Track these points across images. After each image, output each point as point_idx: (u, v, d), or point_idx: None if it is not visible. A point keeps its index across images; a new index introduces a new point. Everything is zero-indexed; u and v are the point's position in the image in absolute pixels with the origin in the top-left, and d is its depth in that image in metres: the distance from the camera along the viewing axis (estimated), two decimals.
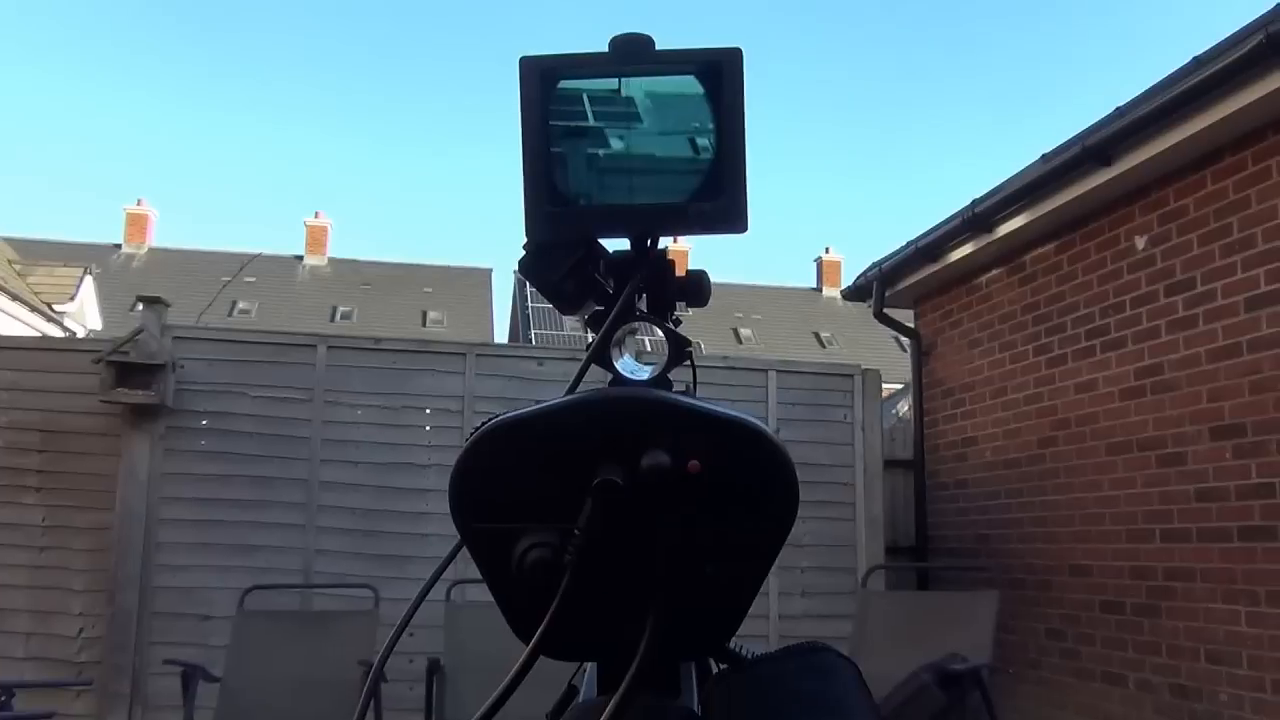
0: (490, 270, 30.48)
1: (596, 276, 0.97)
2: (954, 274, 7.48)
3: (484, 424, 0.86)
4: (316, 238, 31.86)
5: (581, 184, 0.98)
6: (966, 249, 7.08)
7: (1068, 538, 5.93)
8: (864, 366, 7.48)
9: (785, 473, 0.86)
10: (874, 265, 8.31)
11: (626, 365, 0.96)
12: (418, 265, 31.22)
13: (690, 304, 0.99)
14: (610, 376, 0.95)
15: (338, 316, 28.31)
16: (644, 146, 0.98)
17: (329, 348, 6.68)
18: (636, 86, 0.96)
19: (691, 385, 0.97)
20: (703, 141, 0.96)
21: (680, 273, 0.98)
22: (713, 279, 0.98)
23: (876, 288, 8.22)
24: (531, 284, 1.00)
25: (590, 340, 0.97)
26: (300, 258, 31.66)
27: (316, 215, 30.97)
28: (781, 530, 0.86)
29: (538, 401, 0.88)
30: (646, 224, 0.96)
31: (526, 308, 27.82)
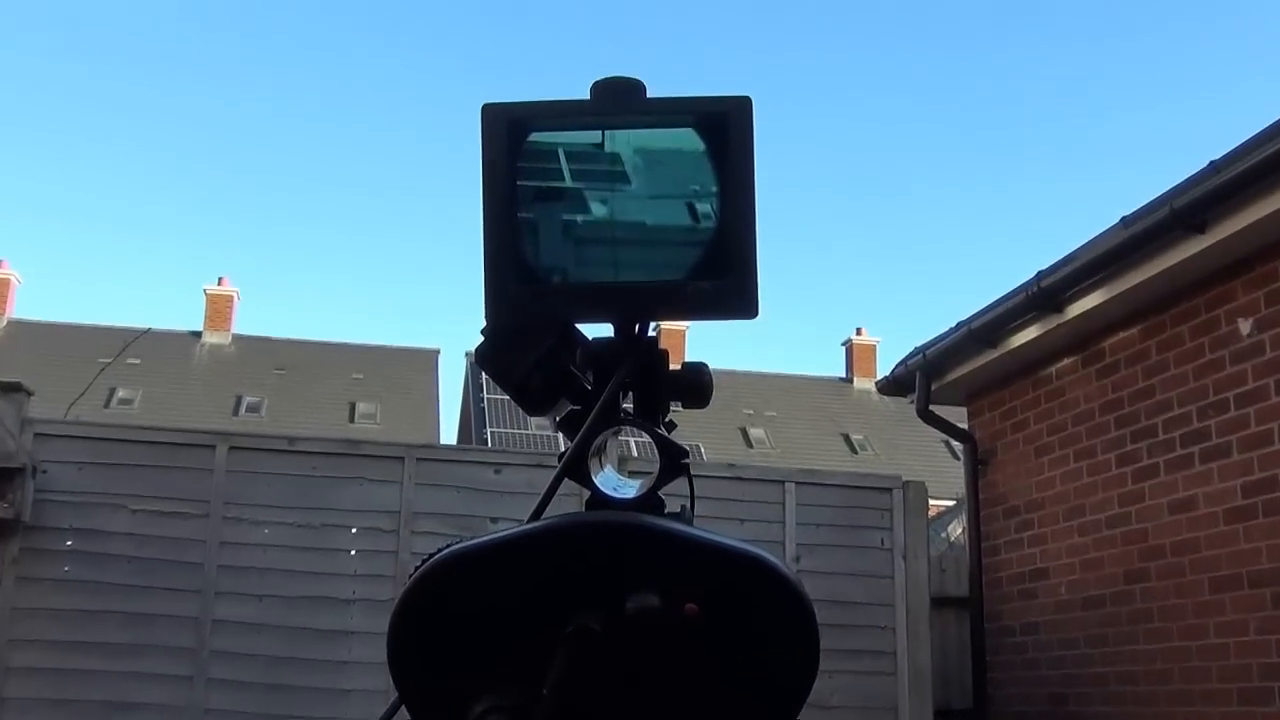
0: (436, 352, 30.40)
1: (572, 369, 0.99)
2: (1016, 363, 7.55)
3: (433, 555, 0.87)
4: (219, 309, 31.73)
5: (555, 257, 1.00)
6: (1031, 332, 7.16)
7: (1165, 698, 5.84)
8: (905, 478, 7.48)
9: (803, 616, 0.86)
10: (917, 351, 8.40)
11: (608, 480, 0.97)
12: (345, 345, 31.14)
13: (688, 404, 1.01)
14: (587, 494, 0.96)
15: (243, 408, 28.02)
16: (632, 213, 1.01)
17: (231, 449, 6.65)
18: (624, 141, 1.00)
19: (689, 505, 0.98)
20: (704, 207, 0.99)
21: (675, 364, 1.00)
22: (716, 367, 1.00)
23: (921, 379, 8.29)
24: (490, 376, 1.02)
25: (563, 448, 0.98)
26: (198, 334, 31.59)
27: (219, 282, 30.39)
28: (800, 688, 0.86)
29: (496, 524, 0.91)
30: (635, 307, 0.99)
31: (481, 401, 27.62)
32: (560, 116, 0.96)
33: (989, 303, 7.17)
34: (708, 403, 0.98)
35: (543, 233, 0.96)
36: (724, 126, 0.94)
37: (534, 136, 0.96)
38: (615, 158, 0.97)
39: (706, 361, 0.99)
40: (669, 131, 0.97)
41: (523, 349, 0.97)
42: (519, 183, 0.95)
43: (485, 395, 26.88)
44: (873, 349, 31.91)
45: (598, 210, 0.97)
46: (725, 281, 0.93)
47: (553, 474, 0.93)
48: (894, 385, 8.42)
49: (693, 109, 0.96)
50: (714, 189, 0.96)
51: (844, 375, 32.08)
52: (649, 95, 0.95)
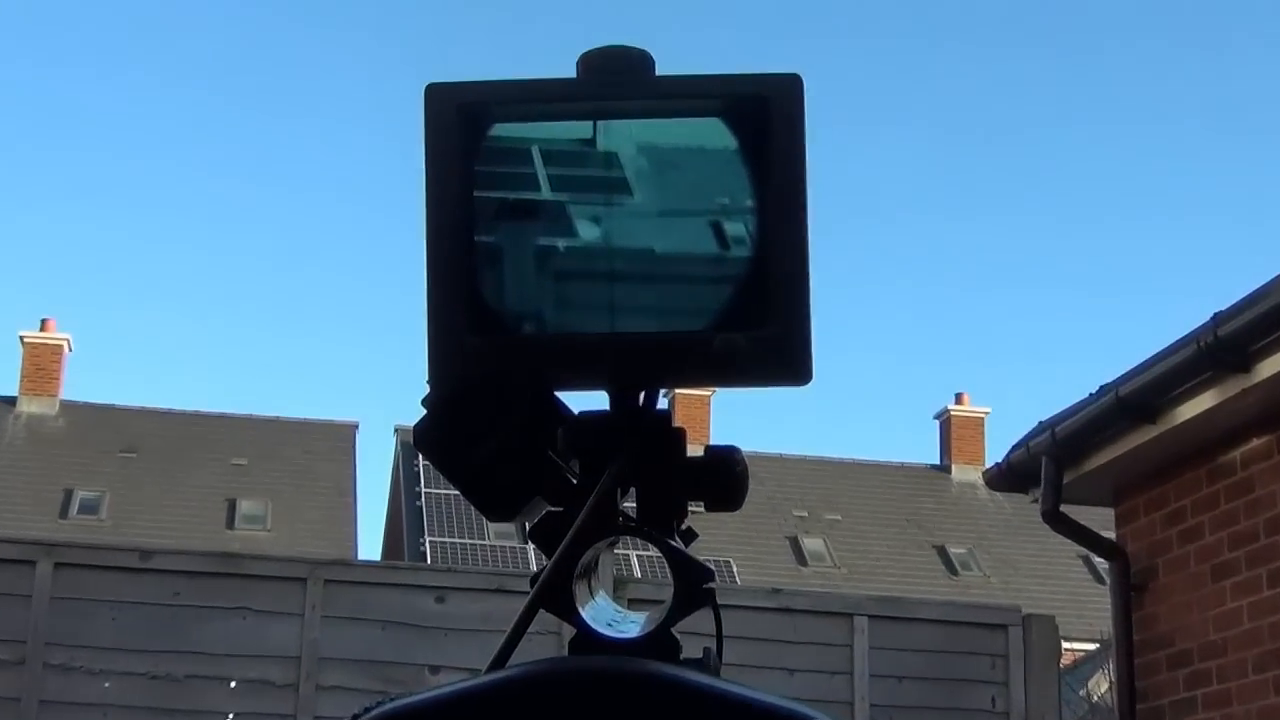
0: (353, 428, 30.28)
1: (550, 455, 1.01)
2: (1184, 444, 7.53)
3: (362, 714, 0.90)
4: (42, 365, 31.31)
5: (527, 298, 1.04)
6: (1206, 400, 7.14)
7: None
8: (1026, 610, 7.48)
9: None
10: (1043, 427, 8.41)
11: (600, 613, 0.99)
12: (224, 419, 30.96)
13: (713, 504, 1.03)
14: (572, 633, 0.98)
15: (75, 507, 27.56)
16: (635, 236, 1.04)
17: (57, 566, 6.64)
18: (624, 136, 1.03)
19: (715, 648, 1.00)
20: (735, 228, 1.02)
21: (695, 448, 1.02)
22: (753, 450, 1.03)
23: (1048, 468, 8.29)
24: (434, 464, 1.04)
25: (537, 566, 1.00)
26: (11, 401, 31.33)
27: (42, 326, 30.29)
28: None
29: (439, 676, 0.94)
30: (638, 369, 1.01)
31: (418, 498, 27.48)
32: (534, 101, 0.99)
33: (1145, 359, 7.18)
34: (741, 502, 1.01)
35: (509, 264, 1.00)
36: (764, 116, 0.97)
37: (497, 129, 0.99)
38: (611, 159, 1.00)
39: (738, 445, 1.01)
40: (688, 123, 1.00)
41: (480, 426, 0.99)
42: (477, 194, 0.98)
43: (424, 490, 26.39)
44: (979, 424, 31.71)
45: (587, 232, 0.99)
46: (765, 333, 0.96)
47: (522, 604, 0.95)
48: (1009, 476, 8.39)
49: (721, 91, 0.98)
50: (749, 202, 0.98)
51: (937, 462, 31.28)
52: (659, 73, 0.99)
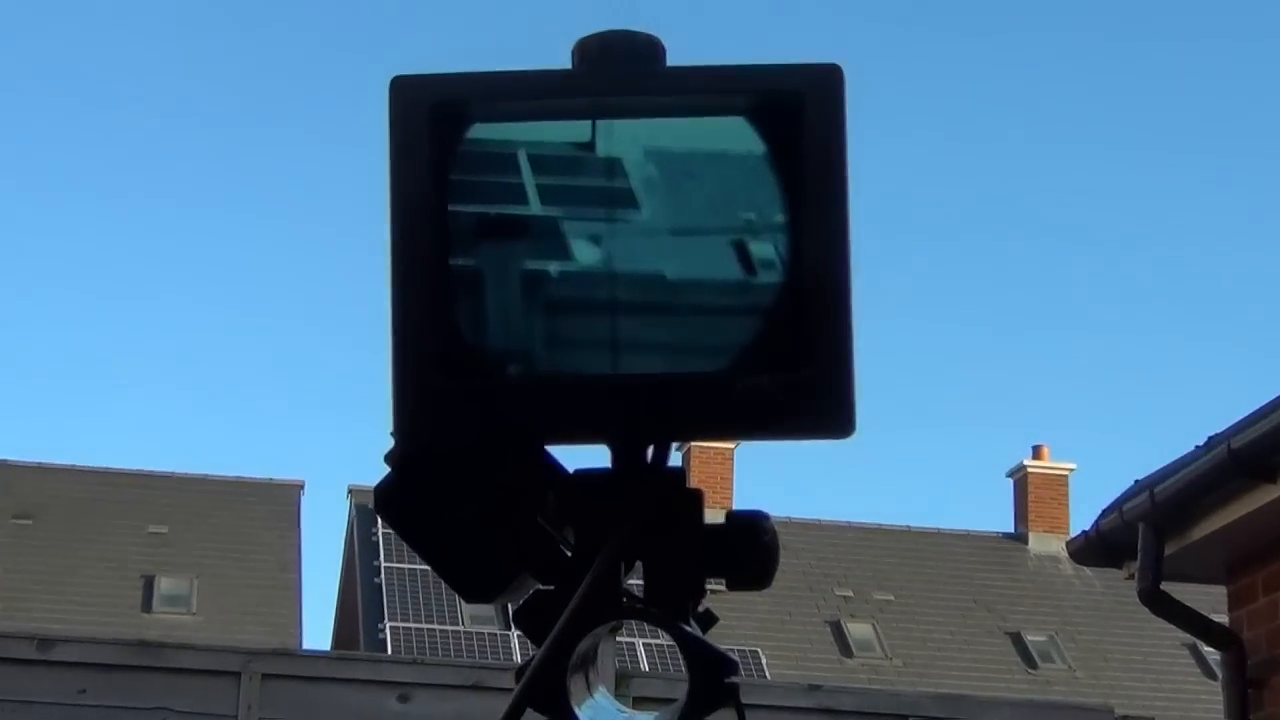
0: (297, 489, 29.81)
1: (539, 523, 1.03)
2: None
3: None
4: None
5: (512, 333, 1.05)
6: None
7: None
8: (1120, 710, 7.47)
9: None
10: (1139, 487, 8.38)
11: (600, 713, 1.01)
12: (139, 477, 30.42)
13: (736, 582, 1.04)
14: None
15: None
16: (644, 258, 1.05)
17: None
18: (629, 139, 1.04)
19: None
20: (763, 249, 1.04)
21: (714, 513, 1.03)
22: (786, 515, 1.02)
23: (1147, 537, 8.25)
24: (399, 533, 1.06)
25: (525, 657, 1.00)
26: None
27: None
28: None
29: None
30: (647, 419, 1.02)
31: (377, 574, 26.97)
32: (521, 97, 1.01)
33: (1261, 406, 7.17)
34: (770, 579, 1.01)
35: (491, 292, 1.01)
36: (799, 115, 0.98)
37: (477, 131, 1.00)
38: (614, 166, 1.01)
39: (766, 510, 1.03)
40: (706, 123, 1.02)
41: (456, 488, 1.01)
42: (452, 208, 0.99)
43: (384, 564, 25.48)
44: (1061, 484, 30.83)
45: (585, 254, 1.01)
46: (799, 375, 0.97)
47: (504, 704, 0.97)
48: (1099, 547, 8.34)
49: (747, 85, 1.00)
50: (780, 218, 1.00)
51: (1011, 529, 29.99)
52: (671, 64, 1.01)
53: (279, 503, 28.89)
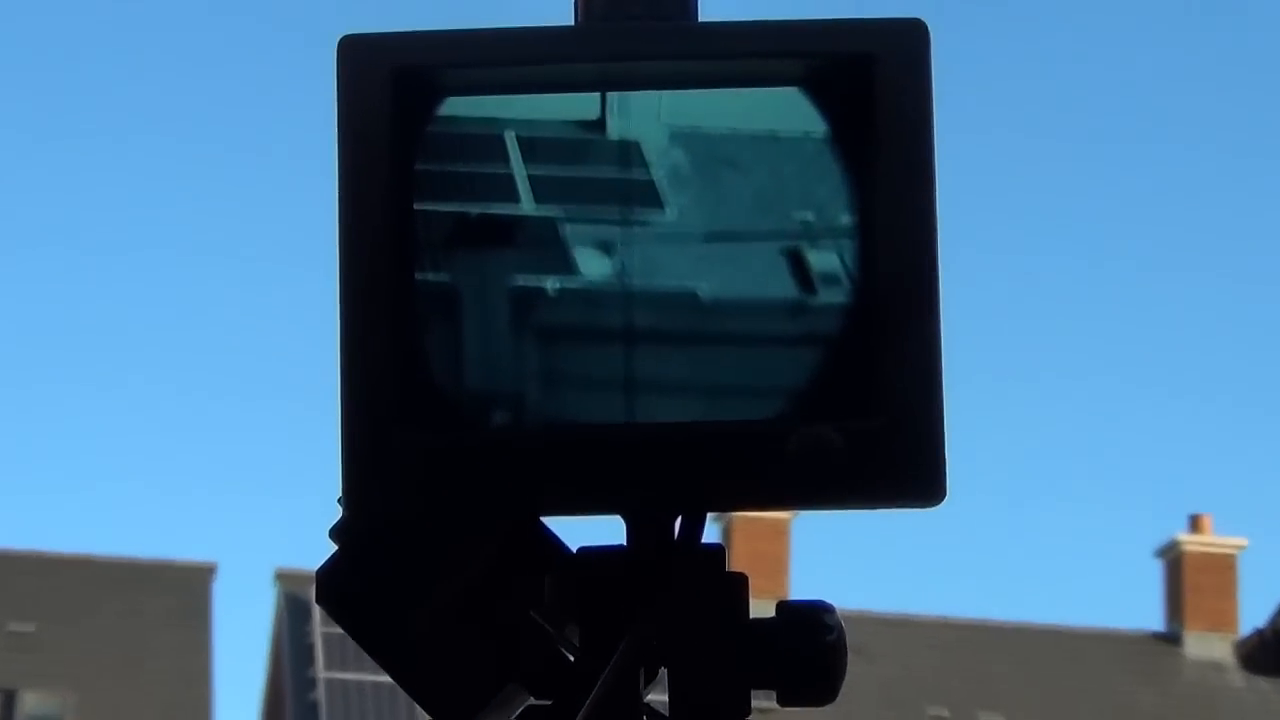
0: (208, 573, 26.80)
1: (533, 618, 0.96)
2: None
3: None
4: None
5: (498, 370, 0.97)
6: None
7: None
8: None
9: None
10: None
11: None
12: (2, 555, 26.51)
13: (791, 695, 0.95)
14: None
15: None
16: (668, 272, 0.97)
17: None
18: (649, 115, 0.96)
19: None
20: (824, 259, 0.95)
21: (762, 603, 0.97)
22: (856, 609, 1.05)
23: None
24: (349, 629, 0.99)
25: None
26: None
27: None
28: None
29: None
30: (671, 481, 0.94)
31: (312, 685, 24.16)
32: (509, 62, 0.93)
33: None
34: (836, 691, 0.93)
35: (469, 316, 0.93)
36: (870, 85, 0.91)
37: (451, 106, 0.93)
38: (630, 152, 0.93)
39: (830, 601, 0.95)
40: (752, 95, 0.94)
41: (423, 573, 0.93)
42: (418, 205, 0.92)
43: (323, 672, 21.78)
44: (1228, 565, 25.39)
45: (592, 268, 0.93)
46: (873, 424, 0.90)
47: None
48: (1278, 650, 8.02)
49: (804, 46, 0.93)
50: (846, 219, 0.92)
51: (1161, 627, 25.40)
52: (705, 20, 0.94)
53: (184, 592, 24.34)
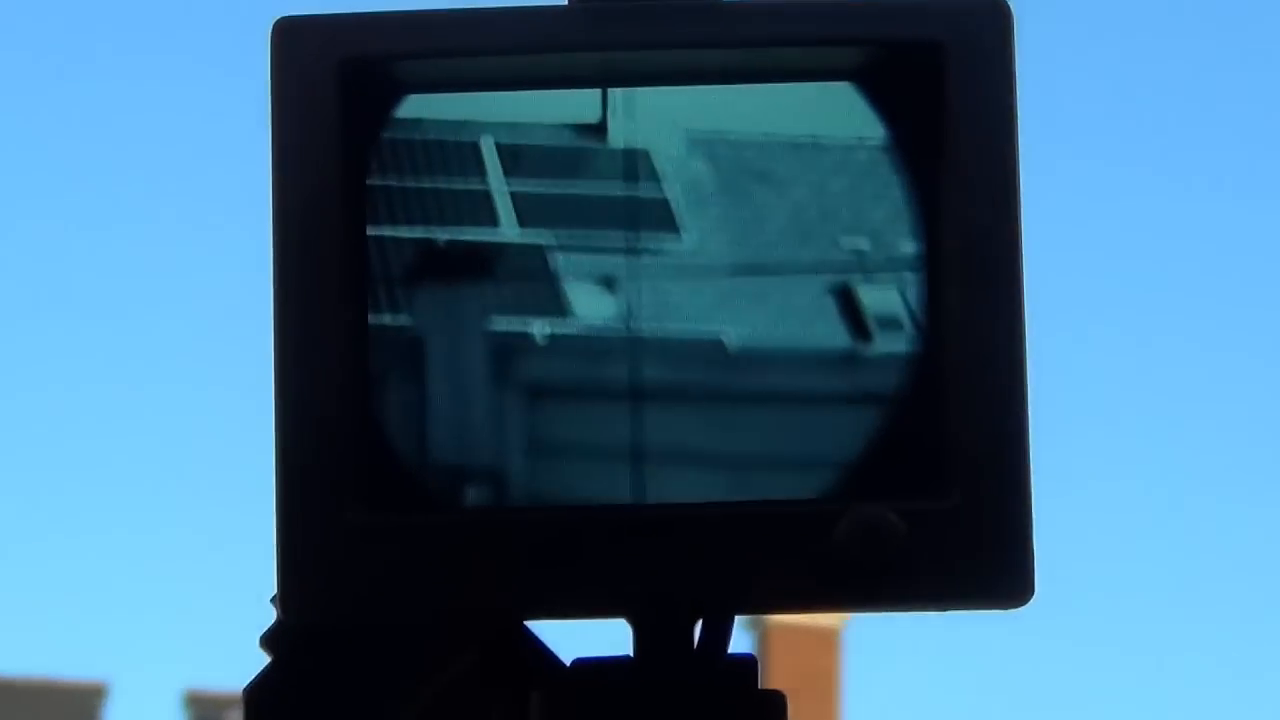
0: (98, 695, 25.38)
1: None
2: None
3: None
4: None
5: (474, 436, 0.88)
6: None
7: None
8: None
9: None
10: None
11: None
12: None
13: None
14: None
15: None
16: (685, 314, 0.87)
17: None
18: (663, 116, 0.88)
19: None
20: (881, 297, 0.86)
21: None
22: None
23: None
24: None
25: None
26: None
27: None
28: None
29: None
30: (690, 578, 0.85)
31: None
32: (485, 50, 0.84)
33: None
34: None
35: (436, 372, 0.84)
36: (938, 78, 0.83)
37: (413, 105, 0.84)
38: (639, 163, 0.84)
39: None
40: (792, 92, 0.85)
41: (379, 691, 0.85)
42: (372, 232, 0.84)
43: None
44: None
45: (591, 309, 0.84)
46: (942, 505, 0.82)
47: None
48: None
49: (857, 30, 0.84)
50: (910, 248, 0.83)
51: None
52: None
53: (69, 717, 23.35)
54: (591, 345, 0.85)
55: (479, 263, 0.86)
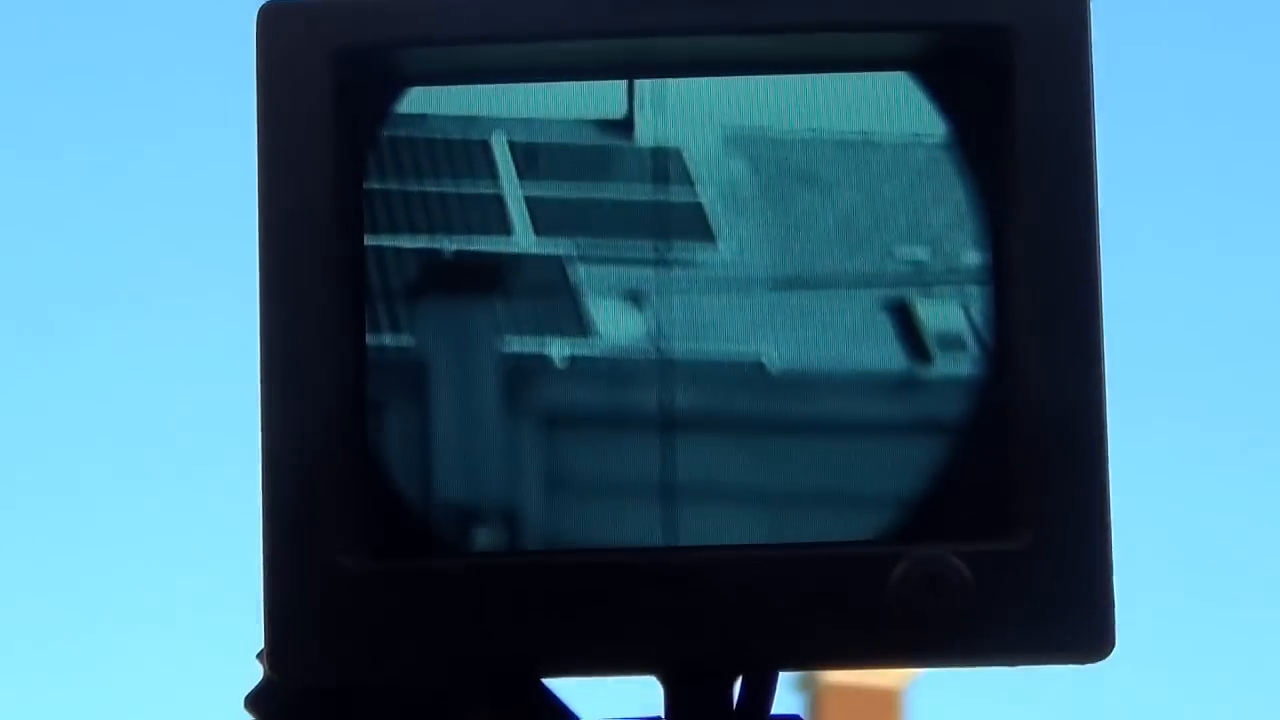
0: None
1: None
2: None
3: None
4: None
5: (484, 473, 0.81)
6: None
7: None
8: None
9: None
10: None
11: None
12: None
13: None
14: None
15: None
16: (725, 333, 0.82)
17: None
18: (697, 111, 0.82)
19: None
20: (944, 314, 0.80)
21: None
22: None
23: None
24: None
25: None
26: None
27: None
28: None
29: None
30: (728, 631, 0.79)
31: None
32: (497, 37, 0.78)
33: None
34: None
35: (442, 399, 0.78)
36: (1006, 68, 0.77)
37: (416, 99, 0.78)
38: (669, 163, 0.78)
39: None
40: (843, 83, 0.79)
41: None
42: (371, 241, 0.78)
43: None
44: None
45: (616, 328, 0.78)
46: (1011, 548, 0.76)
47: None
48: None
49: (915, 15, 0.78)
50: (977, 258, 0.78)
51: None
52: None
53: None
54: (617, 368, 0.81)
55: (490, 276, 0.82)
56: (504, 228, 0.81)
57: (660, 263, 0.81)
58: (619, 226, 0.82)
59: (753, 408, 0.81)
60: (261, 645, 0.79)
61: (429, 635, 0.78)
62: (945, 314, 0.80)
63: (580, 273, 0.81)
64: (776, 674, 0.82)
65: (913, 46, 0.81)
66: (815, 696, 17.25)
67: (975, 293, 0.79)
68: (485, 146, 0.81)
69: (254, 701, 0.80)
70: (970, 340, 0.80)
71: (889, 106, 0.81)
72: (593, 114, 0.82)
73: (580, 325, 0.80)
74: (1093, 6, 0.81)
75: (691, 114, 0.81)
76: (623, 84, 0.81)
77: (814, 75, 0.82)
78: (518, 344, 0.82)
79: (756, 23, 0.81)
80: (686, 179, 0.81)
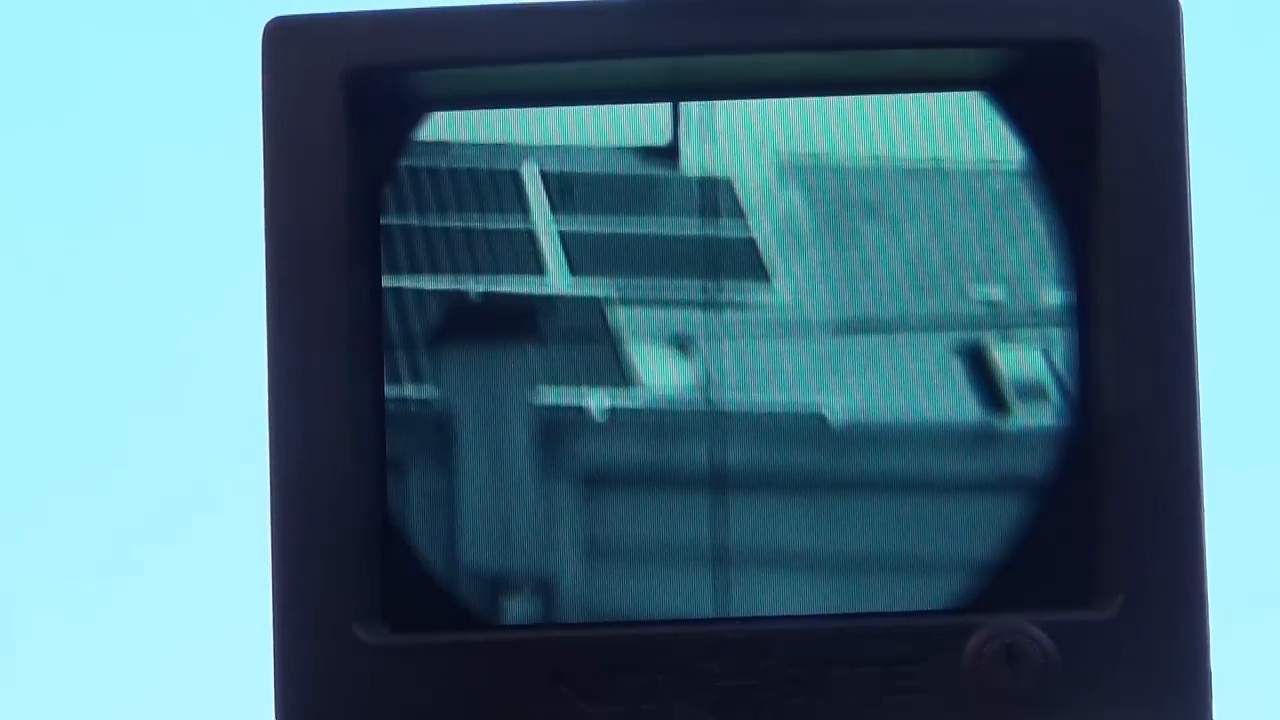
0: None
1: None
2: None
3: None
4: None
5: (516, 537, 0.77)
6: None
7: None
8: None
9: None
10: None
11: None
12: None
13: None
14: None
15: None
16: (781, 383, 0.77)
17: None
18: (748, 137, 0.77)
19: None
20: (1024, 360, 0.76)
21: None
22: None
23: None
24: None
25: None
26: None
27: None
28: None
29: None
30: (788, 704, 0.74)
31: None
32: (525, 58, 0.72)
33: None
34: None
35: (469, 457, 0.73)
36: (1089, 86, 0.72)
37: (436, 126, 0.74)
38: (718, 194, 0.74)
39: None
40: (910, 104, 0.74)
41: None
42: (388, 282, 0.74)
43: None
44: None
45: (661, 377, 0.74)
46: (1098, 616, 0.70)
47: None
48: None
49: (989, 29, 0.72)
50: (1058, 296, 0.73)
51: None
52: None
53: None
54: (662, 421, 0.76)
55: (521, 320, 0.77)
56: (536, 267, 0.76)
57: (709, 304, 0.76)
58: (663, 265, 0.76)
59: (812, 464, 0.76)
60: None
61: (455, 715, 0.72)
62: (1025, 360, 0.75)
63: (621, 316, 0.76)
64: None
65: (987, 64, 0.75)
66: None
67: (1057, 336, 0.74)
68: (515, 177, 0.75)
69: None
70: (1052, 389, 0.74)
71: (961, 130, 0.75)
72: (633, 140, 0.77)
73: (621, 374, 0.75)
74: (1185, 20, 0.75)
75: (743, 140, 0.76)
76: (667, 107, 0.76)
77: (877, 96, 0.76)
78: (552, 395, 0.76)
79: (814, 39, 0.75)
80: (738, 212, 0.76)
